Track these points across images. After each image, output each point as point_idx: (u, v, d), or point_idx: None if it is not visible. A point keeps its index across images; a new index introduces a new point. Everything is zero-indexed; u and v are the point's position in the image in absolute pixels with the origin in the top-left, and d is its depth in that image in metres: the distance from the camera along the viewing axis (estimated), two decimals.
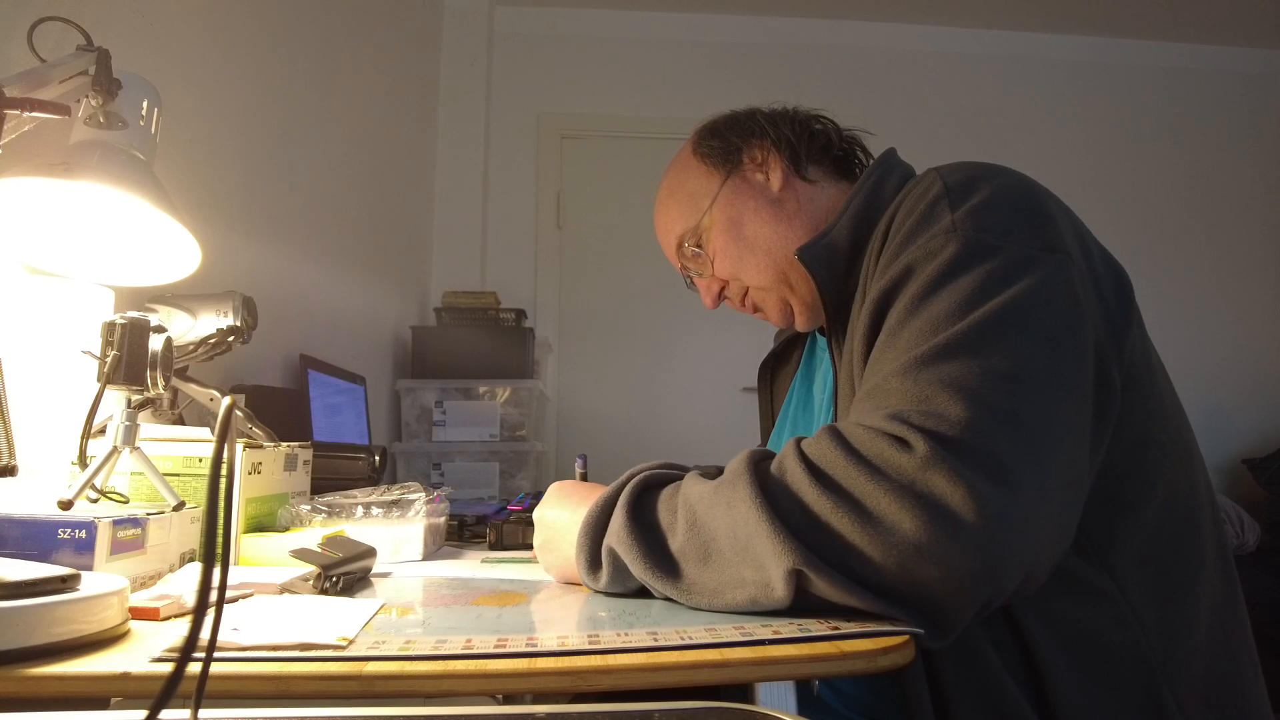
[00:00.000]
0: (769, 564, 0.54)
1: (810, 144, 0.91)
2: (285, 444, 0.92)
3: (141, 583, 0.64)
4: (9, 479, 0.61)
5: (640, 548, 0.60)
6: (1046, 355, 0.58)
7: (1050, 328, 0.59)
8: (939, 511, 0.51)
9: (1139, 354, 0.68)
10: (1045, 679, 0.62)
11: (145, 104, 0.75)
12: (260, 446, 0.85)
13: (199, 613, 0.32)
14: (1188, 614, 0.66)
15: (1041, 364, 0.57)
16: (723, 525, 0.57)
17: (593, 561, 0.64)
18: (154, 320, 0.73)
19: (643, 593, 0.63)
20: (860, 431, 0.56)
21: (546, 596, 0.66)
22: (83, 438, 0.73)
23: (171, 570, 0.69)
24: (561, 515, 0.71)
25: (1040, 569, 0.56)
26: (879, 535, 0.52)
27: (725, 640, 0.49)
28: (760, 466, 0.58)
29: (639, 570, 0.60)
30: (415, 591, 0.70)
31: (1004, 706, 0.62)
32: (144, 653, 0.46)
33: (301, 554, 0.68)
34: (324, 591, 0.66)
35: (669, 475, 0.66)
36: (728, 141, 0.92)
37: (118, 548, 0.61)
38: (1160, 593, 0.65)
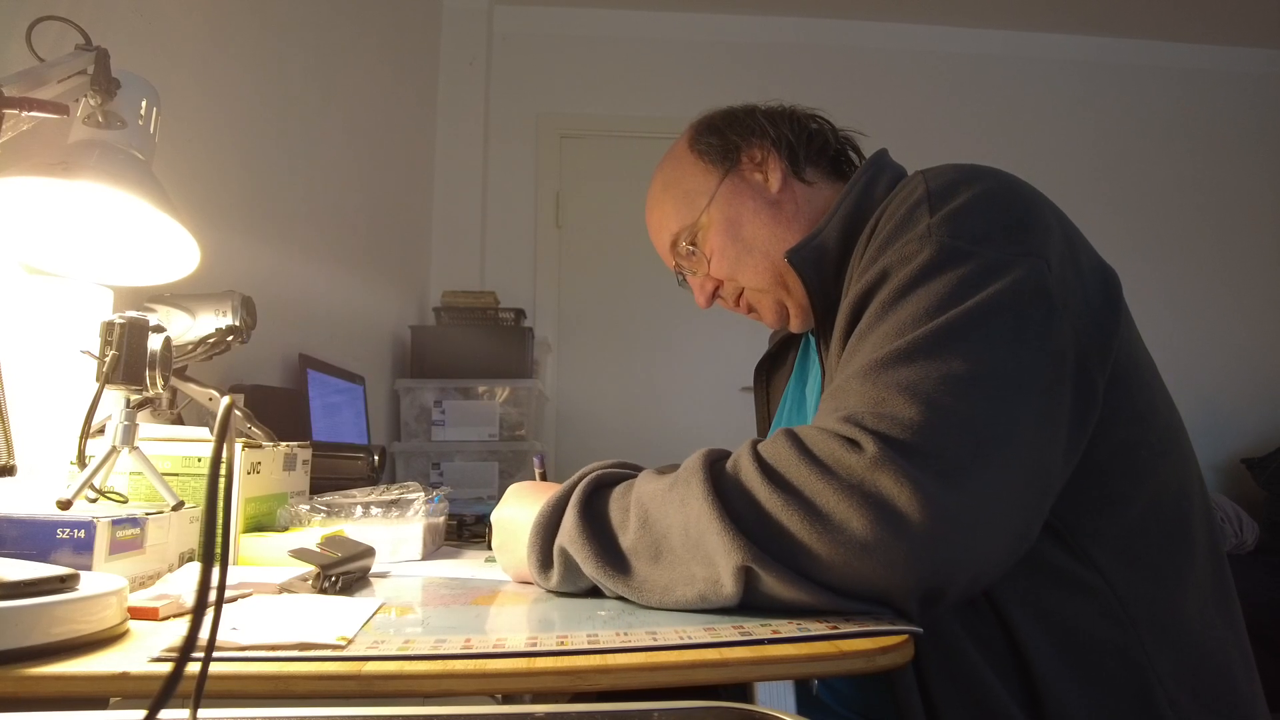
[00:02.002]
0: (719, 560, 0.54)
1: (809, 145, 0.90)
2: (284, 444, 0.92)
3: (140, 582, 0.64)
4: (8, 479, 0.61)
5: (591, 546, 0.60)
6: (1011, 358, 0.58)
7: (1017, 331, 0.59)
8: (886, 511, 0.52)
9: (1126, 355, 0.68)
10: (1035, 675, 0.62)
11: (144, 103, 0.75)
12: (259, 446, 0.85)
13: (198, 612, 0.32)
14: (1179, 611, 0.66)
15: (1004, 367, 0.58)
16: (675, 522, 0.57)
17: (544, 561, 0.64)
18: (153, 320, 0.73)
19: (594, 592, 0.64)
20: (814, 433, 0.57)
21: (545, 596, 0.66)
22: (81, 437, 0.73)
23: (170, 570, 0.69)
24: (517, 515, 0.71)
25: (990, 568, 0.58)
26: (827, 533, 0.53)
27: (724, 640, 0.49)
28: (716, 466, 0.59)
29: (590, 569, 0.60)
30: (414, 591, 0.70)
31: (987, 703, 0.62)
32: (143, 652, 0.46)
33: (300, 554, 0.68)
34: (323, 591, 0.66)
35: (622, 474, 0.67)
36: (726, 139, 0.91)
37: (116, 547, 0.61)
38: (1150, 590, 0.65)
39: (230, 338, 0.94)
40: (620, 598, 0.61)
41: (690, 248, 0.92)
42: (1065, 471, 0.62)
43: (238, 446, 0.80)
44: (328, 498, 0.92)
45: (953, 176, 0.69)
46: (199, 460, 0.79)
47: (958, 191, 0.67)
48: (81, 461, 0.72)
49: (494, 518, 0.75)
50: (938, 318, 0.59)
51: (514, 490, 0.76)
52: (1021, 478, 0.56)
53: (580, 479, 0.65)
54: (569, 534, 0.62)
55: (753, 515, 0.55)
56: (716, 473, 0.58)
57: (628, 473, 0.67)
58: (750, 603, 0.56)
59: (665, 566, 0.58)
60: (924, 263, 0.63)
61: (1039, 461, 0.58)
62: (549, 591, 0.66)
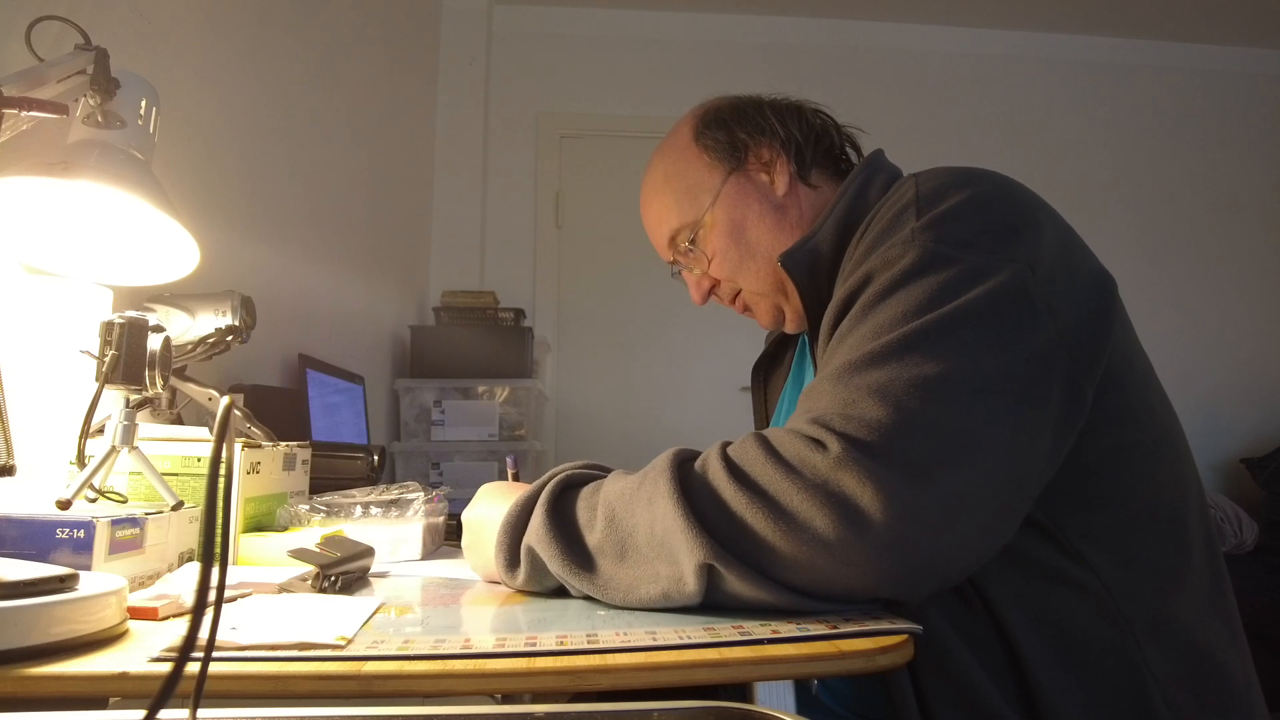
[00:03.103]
0: (682, 558, 0.55)
1: (816, 146, 0.89)
2: (284, 444, 0.92)
3: (140, 582, 0.64)
4: (7, 478, 0.61)
5: (557, 545, 0.61)
6: (986, 362, 0.58)
7: (995, 335, 0.59)
8: (848, 510, 0.52)
9: (1122, 359, 0.68)
10: (1028, 674, 0.62)
11: (143, 103, 0.75)
12: (259, 446, 0.85)
13: (197, 612, 0.32)
14: (1175, 610, 0.66)
15: (978, 371, 0.57)
16: (642, 521, 0.58)
17: (511, 560, 0.65)
18: (152, 320, 0.73)
19: (561, 591, 0.64)
20: (782, 434, 0.58)
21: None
22: (81, 437, 0.73)
23: (170, 570, 0.69)
24: (487, 514, 0.71)
25: (956, 570, 0.58)
26: (791, 531, 0.53)
27: (724, 640, 0.49)
28: (684, 466, 0.60)
29: (556, 568, 0.61)
30: (414, 591, 0.70)
31: (979, 703, 0.62)
32: (142, 652, 0.46)
33: (300, 554, 0.68)
34: (322, 591, 0.66)
35: (591, 475, 0.67)
36: (734, 136, 0.88)
37: (116, 547, 0.61)
38: (1145, 589, 0.65)
39: (230, 337, 0.94)
40: (586, 597, 0.62)
41: (690, 246, 0.91)
42: (1046, 473, 0.62)
43: (237, 446, 0.80)
44: (327, 498, 0.92)
45: (944, 180, 0.69)
46: (198, 460, 0.79)
47: (947, 195, 0.67)
48: (81, 461, 0.72)
49: (464, 517, 0.75)
50: (914, 321, 0.59)
51: (484, 490, 0.76)
52: (992, 480, 0.56)
53: (549, 479, 0.66)
54: (536, 533, 0.62)
55: (717, 513, 0.55)
56: (684, 472, 0.59)
57: (597, 473, 0.68)
58: (713, 602, 0.57)
59: (630, 565, 0.58)
60: (906, 267, 0.63)
61: (1013, 464, 0.57)
62: (516, 590, 0.66)
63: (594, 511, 0.61)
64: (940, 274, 0.62)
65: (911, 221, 0.66)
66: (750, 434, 0.59)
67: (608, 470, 0.68)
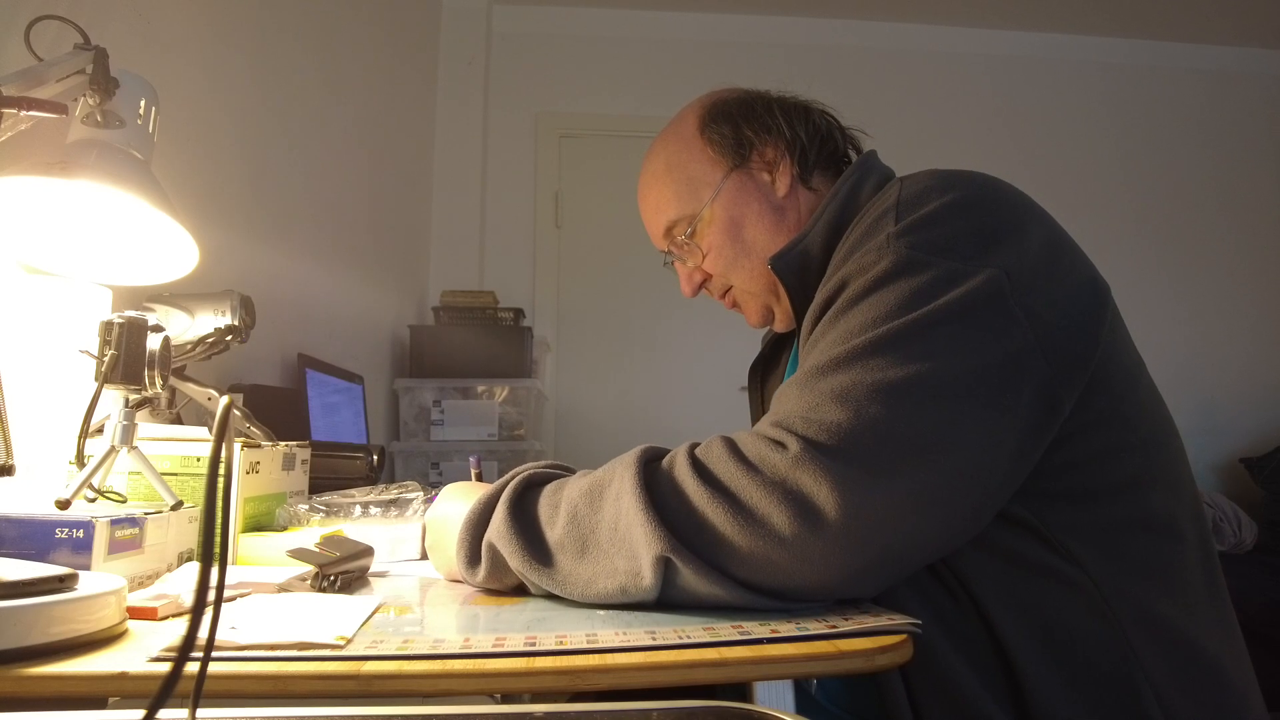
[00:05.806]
0: (641, 552, 0.56)
1: (820, 149, 0.89)
2: (283, 443, 0.92)
3: (139, 582, 0.64)
4: (7, 478, 0.61)
5: (518, 541, 0.61)
6: (951, 366, 0.58)
7: (964, 340, 0.59)
8: (804, 507, 0.54)
9: (1114, 362, 0.68)
10: (1017, 671, 0.62)
11: (143, 103, 0.75)
12: (258, 446, 0.85)
13: (197, 612, 0.32)
14: (1167, 608, 0.66)
15: (941, 375, 0.58)
16: (606, 515, 0.59)
17: (472, 557, 0.65)
18: (152, 319, 0.73)
19: (521, 589, 0.65)
20: (747, 436, 0.59)
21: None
22: (80, 437, 0.73)
23: (169, 570, 0.69)
24: (450, 513, 0.72)
25: (908, 567, 0.60)
26: (749, 526, 0.54)
27: (723, 639, 0.49)
28: (650, 464, 0.61)
29: (515, 563, 0.62)
30: (413, 591, 0.70)
31: (967, 701, 0.62)
32: (142, 652, 0.46)
33: (299, 553, 0.68)
34: (321, 590, 0.66)
35: (553, 474, 0.68)
36: (740, 133, 0.88)
37: (115, 547, 0.61)
38: (1136, 586, 0.65)
39: (229, 337, 0.94)
40: (548, 595, 0.62)
41: (686, 238, 0.91)
42: (1014, 476, 0.62)
43: (237, 446, 0.80)
44: (326, 497, 0.92)
45: (926, 184, 0.69)
46: (198, 460, 0.79)
47: (928, 200, 0.67)
48: (80, 461, 0.72)
49: (427, 518, 0.75)
50: (882, 326, 0.60)
51: (447, 490, 0.76)
52: (949, 483, 0.57)
53: (512, 478, 0.67)
54: (497, 529, 0.63)
55: (678, 508, 0.56)
56: (650, 470, 0.60)
57: (560, 473, 0.68)
58: (669, 599, 0.57)
59: (590, 560, 0.59)
60: (879, 273, 0.63)
61: (973, 468, 0.58)
62: (476, 588, 0.67)
63: (556, 509, 0.62)
64: (913, 279, 0.62)
65: (889, 226, 0.66)
66: (717, 435, 0.61)
67: (571, 470, 0.69)
